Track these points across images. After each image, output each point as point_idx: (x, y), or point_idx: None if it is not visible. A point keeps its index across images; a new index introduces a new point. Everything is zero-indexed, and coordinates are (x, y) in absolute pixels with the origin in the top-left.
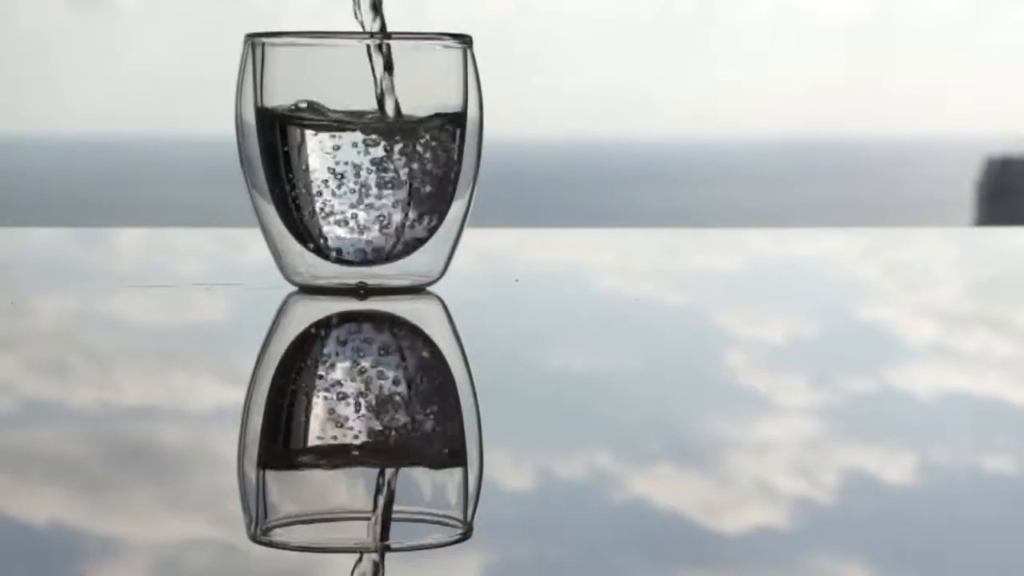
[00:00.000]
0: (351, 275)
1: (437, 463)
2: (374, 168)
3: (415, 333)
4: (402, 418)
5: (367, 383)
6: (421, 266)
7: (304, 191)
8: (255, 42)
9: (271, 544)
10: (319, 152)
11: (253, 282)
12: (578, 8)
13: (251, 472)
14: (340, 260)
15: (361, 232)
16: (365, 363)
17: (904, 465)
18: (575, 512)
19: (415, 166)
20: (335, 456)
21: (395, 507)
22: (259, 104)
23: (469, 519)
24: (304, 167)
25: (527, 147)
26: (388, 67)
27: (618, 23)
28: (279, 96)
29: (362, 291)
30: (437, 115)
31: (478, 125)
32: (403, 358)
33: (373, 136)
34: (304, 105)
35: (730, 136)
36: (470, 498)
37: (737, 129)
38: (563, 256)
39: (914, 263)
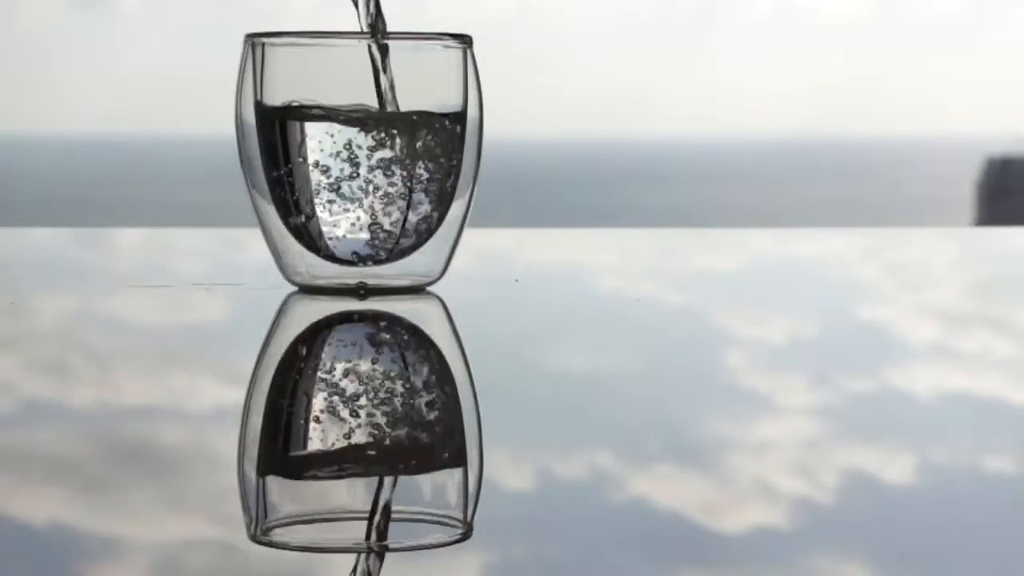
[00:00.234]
0: (351, 275)
1: (437, 463)
2: (374, 168)
3: (415, 333)
4: (402, 418)
5: (367, 383)
6: (421, 266)
7: (304, 191)
8: (255, 42)
9: (271, 544)
10: (319, 152)
11: (253, 282)
12: (578, 8)
13: (251, 472)
14: (340, 260)
15: (361, 232)
16: (365, 363)
17: (904, 465)
18: (575, 512)
19: (415, 166)
20: (335, 456)
21: (395, 507)
22: (259, 104)
23: (469, 519)
24: (304, 167)
25: (527, 147)
26: (386, 66)
27: (618, 23)
28: (279, 96)
29: (362, 291)
30: (437, 115)
31: (478, 125)
32: (403, 358)
33: (373, 135)
34: (296, 105)
35: (730, 136)
36: (470, 498)
37: (737, 129)
38: (563, 256)
39: (914, 263)
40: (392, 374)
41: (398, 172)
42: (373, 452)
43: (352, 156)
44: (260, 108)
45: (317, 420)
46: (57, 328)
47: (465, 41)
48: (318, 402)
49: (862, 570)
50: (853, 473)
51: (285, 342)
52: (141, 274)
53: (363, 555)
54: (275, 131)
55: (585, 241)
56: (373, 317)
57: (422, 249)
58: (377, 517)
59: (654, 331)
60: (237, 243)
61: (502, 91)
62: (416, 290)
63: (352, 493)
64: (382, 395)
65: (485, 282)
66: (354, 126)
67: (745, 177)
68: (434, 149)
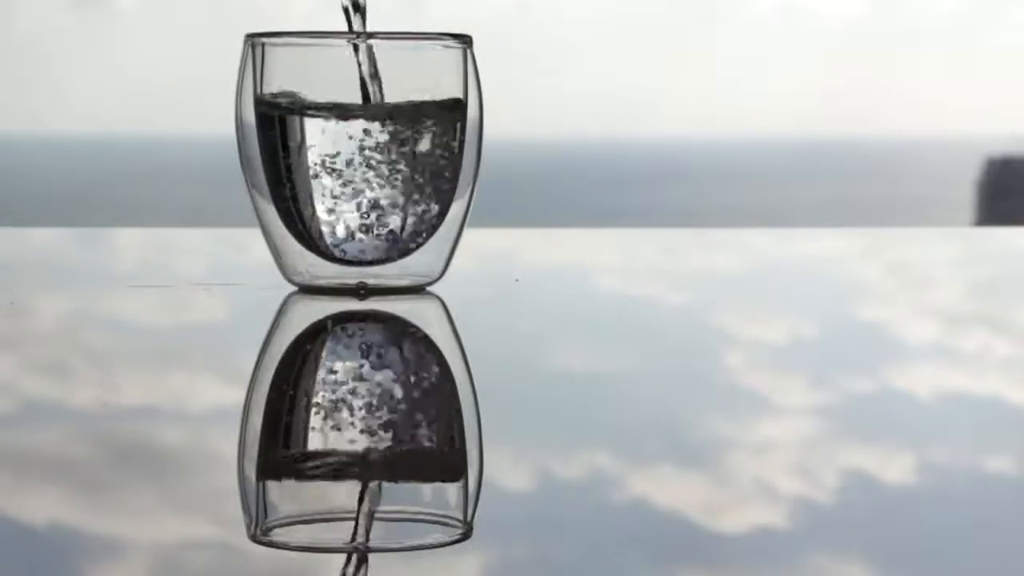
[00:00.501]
0: (351, 275)
1: (437, 464)
2: (374, 167)
3: (415, 333)
4: (402, 419)
5: (366, 383)
6: (421, 266)
7: (304, 191)
8: (255, 42)
9: (271, 544)
10: (319, 151)
11: (253, 282)
12: (578, 8)
13: (251, 472)
14: (340, 260)
15: (361, 232)
16: (364, 363)
17: (904, 465)
18: (575, 512)
19: (415, 165)
20: (335, 456)
21: (395, 507)
22: (259, 102)
23: (469, 519)
24: (304, 166)
25: (527, 147)
26: (375, 73)
27: (618, 23)
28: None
29: (362, 291)
30: (437, 115)
31: (478, 125)
32: (403, 358)
33: (374, 135)
34: (284, 99)
35: (730, 136)
36: (470, 498)
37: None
38: (563, 256)
39: (914, 263)
40: (392, 374)
41: (398, 171)
42: (373, 452)
43: (352, 156)
44: (259, 103)
45: (317, 420)
46: (57, 328)
47: (465, 41)
48: (318, 402)
49: (862, 570)
50: (853, 473)
51: (285, 342)
52: (141, 274)
53: (363, 555)
54: (275, 130)
55: (585, 241)
56: (373, 317)
57: (422, 249)
58: (377, 517)
59: (654, 331)
60: (237, 243)
61: (502, 91)
62: (416, 290)
63: (352, 493)
64: (382, 395)
65: (485, 282)
66: (354, 126)
67: (745, 177)
68: (434, 149)
